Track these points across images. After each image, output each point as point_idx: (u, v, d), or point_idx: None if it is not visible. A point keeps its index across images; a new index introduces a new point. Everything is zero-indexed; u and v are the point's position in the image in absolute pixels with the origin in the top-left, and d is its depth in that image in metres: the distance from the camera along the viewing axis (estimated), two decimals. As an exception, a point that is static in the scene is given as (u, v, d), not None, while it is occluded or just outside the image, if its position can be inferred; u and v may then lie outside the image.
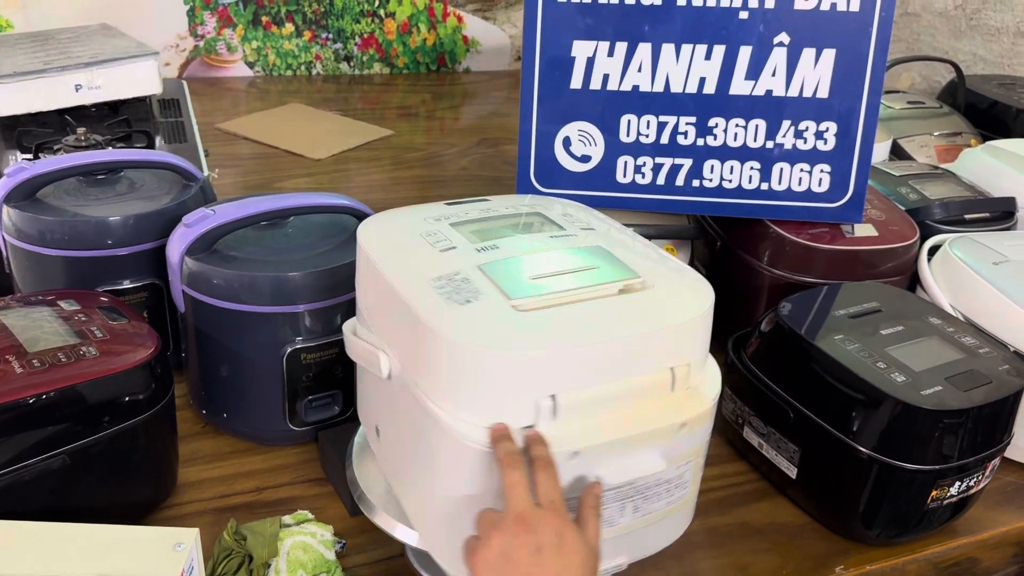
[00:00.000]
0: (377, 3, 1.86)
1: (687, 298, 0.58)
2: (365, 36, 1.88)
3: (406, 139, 1.57)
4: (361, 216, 0.80)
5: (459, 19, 1.94)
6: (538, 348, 0.52)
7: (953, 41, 1.69)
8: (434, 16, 1.92)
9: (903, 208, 0.98)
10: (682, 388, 0.56)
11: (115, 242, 0.78)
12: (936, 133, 1.28)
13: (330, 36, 1.86)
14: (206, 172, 0.99)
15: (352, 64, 1.90)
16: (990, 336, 0.80)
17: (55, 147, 0.98)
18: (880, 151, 1.20)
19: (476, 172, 1.45)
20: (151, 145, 1.02)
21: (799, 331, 0.73)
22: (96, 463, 0.63)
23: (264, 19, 1.80)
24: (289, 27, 1.82)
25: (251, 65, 1.83)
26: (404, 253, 0.61)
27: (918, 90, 1.74)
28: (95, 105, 1.14)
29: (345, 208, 0.79)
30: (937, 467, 0.66)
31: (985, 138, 1.32)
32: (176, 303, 0.76)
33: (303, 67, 1.87)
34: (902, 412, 0.65)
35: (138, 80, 1.12)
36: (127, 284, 0.80)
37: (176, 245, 0.73)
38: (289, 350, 0.73)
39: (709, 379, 0.59)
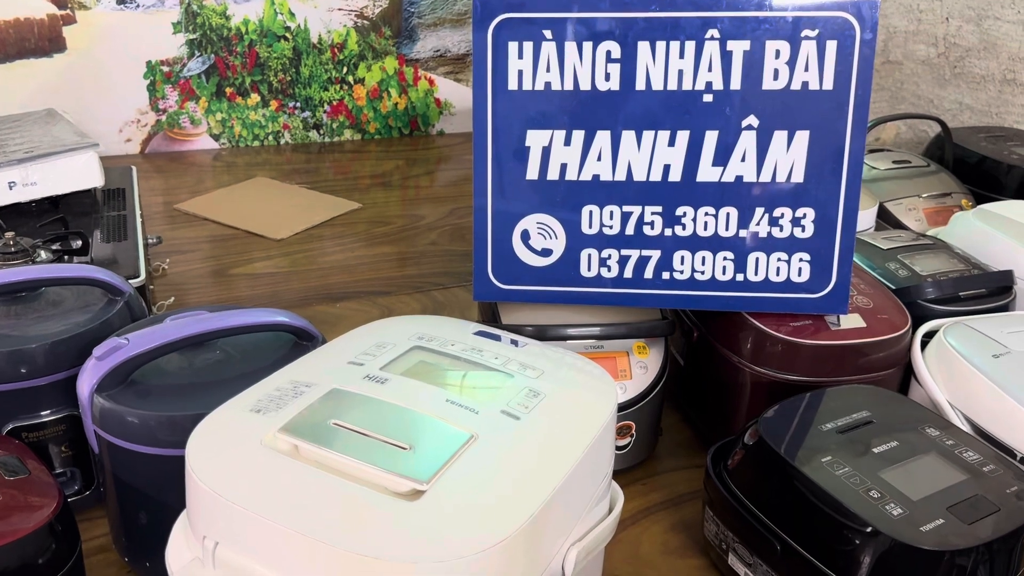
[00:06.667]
0: (345, 70, 1.81)
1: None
2: (334, 103, 1.83)
3: (374, 211, 1.51)
4: (299, 333, 0.73)
5: (431, 82, 1.89)
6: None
7: (938, 89, 1.64)
8: (405, 81, 1.87)
9: (892, 287, 0.92)
10: None
11: (30, 371, 0.71)
12: (924, 195, 1.22)
13: (298, 105, 1.81)
14: (142, 276, 0.92)
15: (322, 132, 1.84)
16: (993, 443, 0.73)
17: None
18: (866, 218, 1.13)
19: (445, 246, 1.39)
20: (85, 247, 0.95)
21: (783, 452, 0.66)
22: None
23: (228, 90, 1.75)
24: (255, 97, 1.77)
25: (216, 137, 1.78)
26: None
27: (903, 141, 1.69)
28: (34, 201, 1.07)
29: (279, 326, 0.72)
30: (943, 610, 0.59)
31: (976, 196, 1.26)
32: (90, 443, 0.69)
33: (270, 137, 1.81)
34: (901, 552, 0.58)
35: (77, 174, 1.06)
36: (45, 416, 0.73)
37: (86, 380, 0.66)
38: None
39: None
